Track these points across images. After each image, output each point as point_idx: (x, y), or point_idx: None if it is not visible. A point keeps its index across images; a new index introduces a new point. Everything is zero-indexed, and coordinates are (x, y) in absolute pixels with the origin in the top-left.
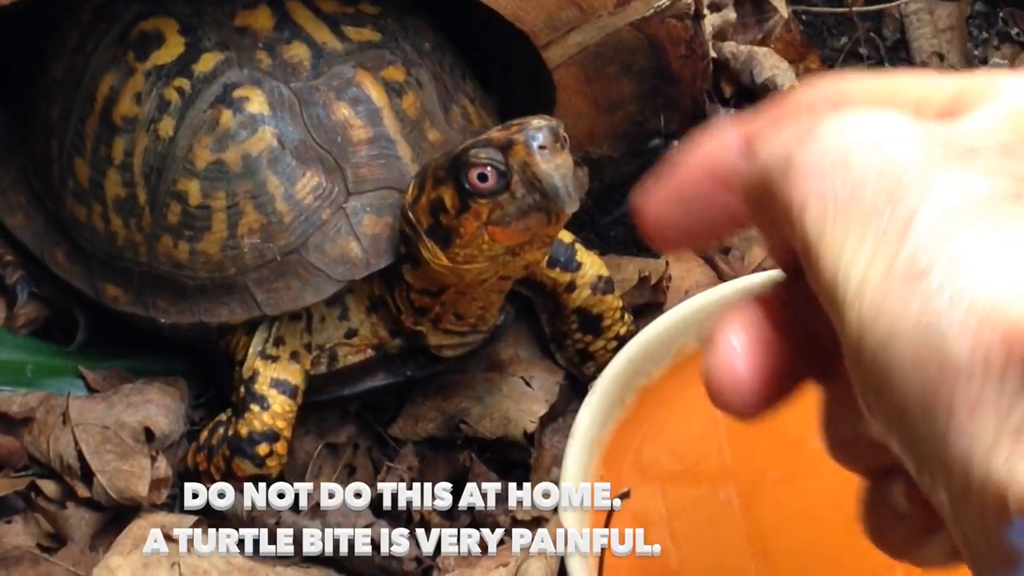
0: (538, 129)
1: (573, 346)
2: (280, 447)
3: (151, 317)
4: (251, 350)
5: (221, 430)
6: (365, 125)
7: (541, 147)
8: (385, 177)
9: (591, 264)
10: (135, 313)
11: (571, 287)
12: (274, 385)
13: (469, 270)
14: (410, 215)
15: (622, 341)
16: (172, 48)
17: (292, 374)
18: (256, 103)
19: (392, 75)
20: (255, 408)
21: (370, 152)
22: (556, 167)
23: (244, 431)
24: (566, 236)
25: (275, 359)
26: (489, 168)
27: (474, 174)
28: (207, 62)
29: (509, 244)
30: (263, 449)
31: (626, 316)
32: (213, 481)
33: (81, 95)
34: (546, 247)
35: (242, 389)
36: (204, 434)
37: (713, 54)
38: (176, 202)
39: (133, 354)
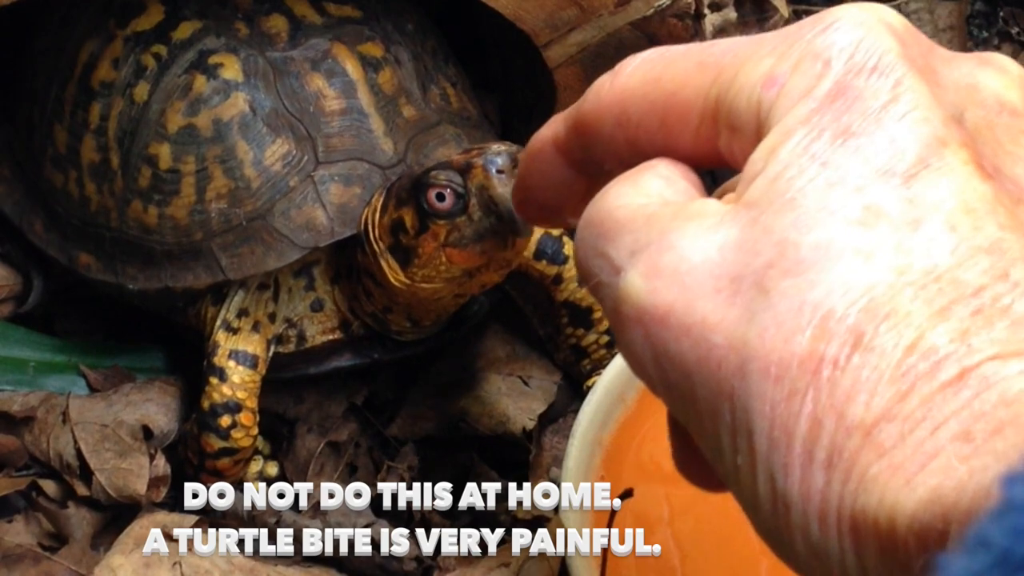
0: (497, 154)
1: (566, 342)
2: (244, 418)
3: (120, 284)
4: (216, 323)
5: (195, 415)
6: (338, 97)
7: (499, 171)
8: (355, 148)
9: None
10: (106, 281)
11: (558, 280)
12: (232, 356)
13: (425, 288)
14: (372, 231)
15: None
16: (152, 16)
17: (252, 344)
18: (230, 70)
19: (370, 50)
20: (214, 380)
21: (342, 123)
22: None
23: (206, 405)
24: (554, 229)
25: (236, 331)
26: (448, 190)
27: (432, 194)
28: (185, 30)
29: (466, 267)
30: (225, 421)
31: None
32: (192, 467)
33: (63, 62)
34: (504, 270)
35: (204, 363)
36: (187, 424)
37: None
38: (147, 166)
39: (135, 352)
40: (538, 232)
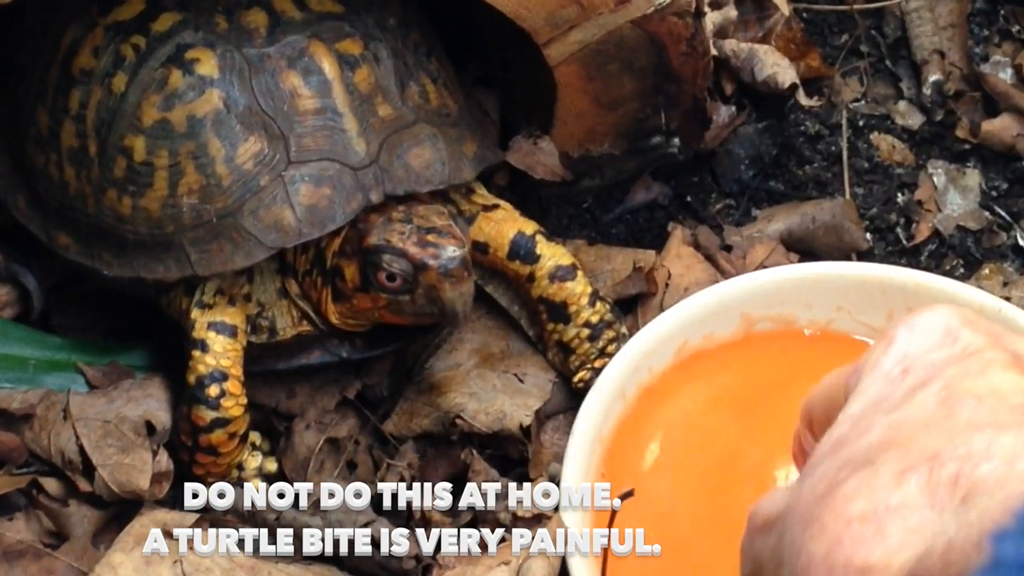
0: (451, 259)
1: (550, 338)
2: (231, 386)
3: (95, 268)
4: (192, 305)
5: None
6: (313, 96)
7: (451, 275)
8: (328, 149)
9: (551, 255)
10: (82, 263)
11: (531, 278)
12: (211, 328)
13: (351, 324)
14: (327, 259)
15: (595, 328)
16: (134, 5)
17: (229, 315)
18: (206, 65)
19: (348, 48)
20: (196, 353)
21: (315, 123)
22: (460, 295)
23: (192, 379)
24: (528, 227)
25: (211, 306)
26: (398, 276)
27: (382, 275)
28: (165, 22)
29: (396, 323)
30: (214, 390)
31: (598, 304)
32: (187, 449)
33: (47, 45)
34: None
35: (184, 343)
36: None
37: (714, 52)
38: (122, 157)
39: (135, 349)
40: (512, 232)
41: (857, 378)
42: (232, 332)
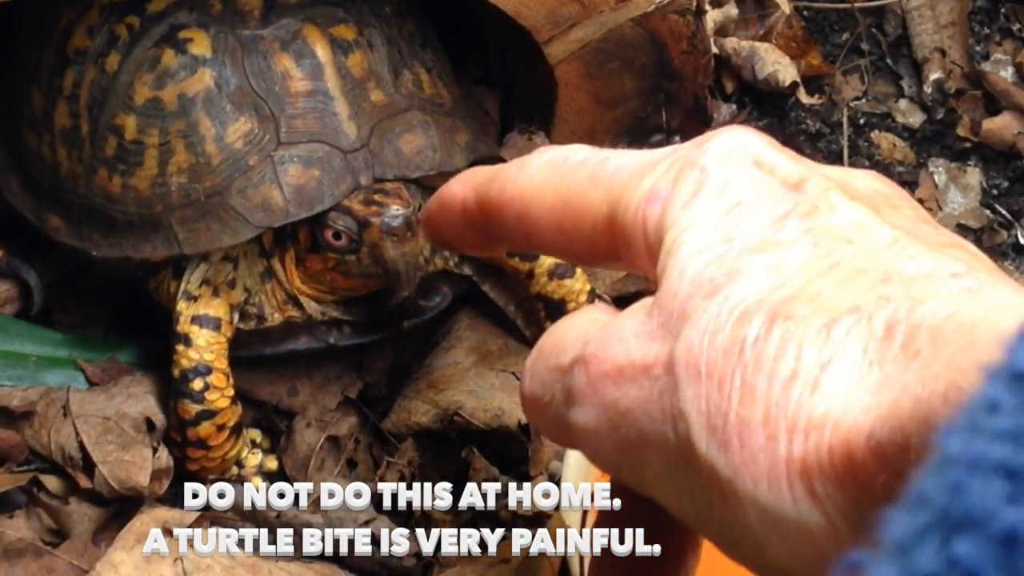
0: (394, 217)
1: None
2: (215, 379)
3: (85, 249)
4: (178, 295)
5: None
6: (305, 78)
7: (393, 234)
8: (318, 131)
9: None
10: (73, 245)
11: (530, 275)
12: (195, 321)
13: (308, 291)
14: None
15: None
16: None
17: (213, 308)
18: (199, 45)
19: (342, 33)
20: (180, 347)
21: (306, 105)
22: (403, 255)
23: (176, 372)
24: None
25: (196, 298)
26: (343, 234)
27: (329, 233)
28: (159, 2)
29: (349, 289)
30: (197, 384)
31: (597, 301)
32: (178, 444)
33: (44, 27)
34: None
35: (170, 335)
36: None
37: (715, 50)
38: (113, 136)
39: (135, 346)
40: None
41: (661, 207)
42: (216, 325)
